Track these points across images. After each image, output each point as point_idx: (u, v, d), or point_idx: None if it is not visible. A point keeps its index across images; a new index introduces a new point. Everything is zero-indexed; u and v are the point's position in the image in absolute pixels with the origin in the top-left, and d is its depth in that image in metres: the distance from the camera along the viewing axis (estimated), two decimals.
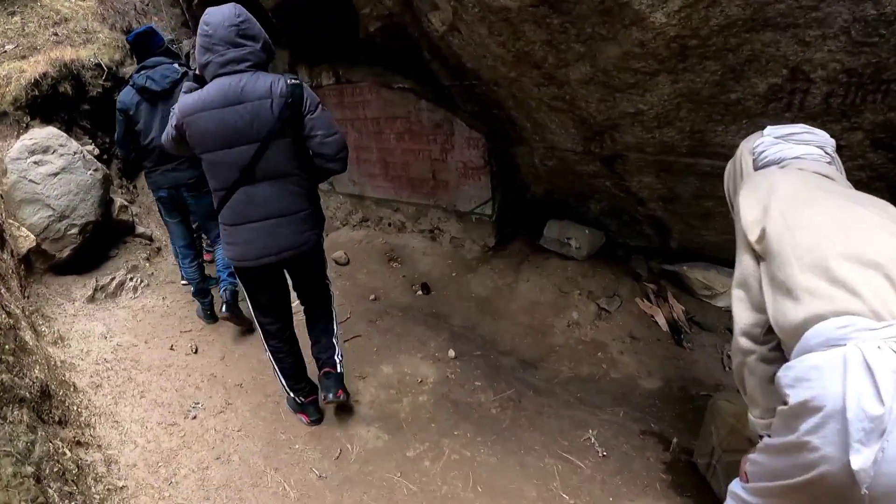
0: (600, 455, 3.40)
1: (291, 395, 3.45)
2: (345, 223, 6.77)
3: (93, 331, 4.72)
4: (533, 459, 3.47)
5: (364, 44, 5.64)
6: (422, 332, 4.85)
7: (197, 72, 2.79)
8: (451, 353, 4.53)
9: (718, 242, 4.48)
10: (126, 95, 4.24)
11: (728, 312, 4.54)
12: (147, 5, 8.19)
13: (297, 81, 2.76)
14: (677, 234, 4.77)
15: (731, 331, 4.41)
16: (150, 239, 6.23)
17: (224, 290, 4.51)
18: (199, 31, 2.66)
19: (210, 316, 5.01)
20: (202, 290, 4.94)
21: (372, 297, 5.50)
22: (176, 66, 4.41)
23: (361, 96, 5.92)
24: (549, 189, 5.31)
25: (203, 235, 5.40)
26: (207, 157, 2.75)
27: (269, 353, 3.36)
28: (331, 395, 3.33)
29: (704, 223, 4.35)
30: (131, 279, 5.63)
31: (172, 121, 2.76)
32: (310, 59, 6.38)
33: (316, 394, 3.48)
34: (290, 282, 3.31)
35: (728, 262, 4.32)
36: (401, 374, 4.32)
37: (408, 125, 5.67)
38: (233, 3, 2.70)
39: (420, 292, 5.53)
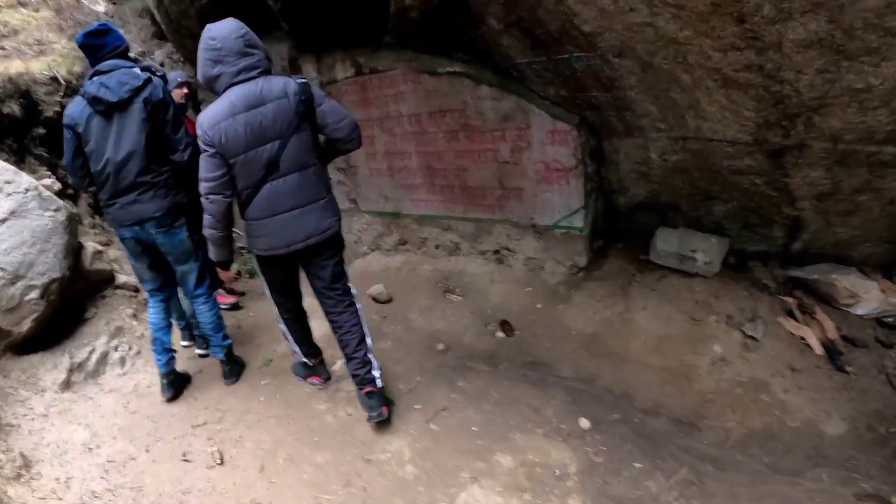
0: None
1: (304, 357, 3.71)
2: (375, 247, 5.53)
3: (72, 440, 3.38)
4: None
5: (392, 23, 4.42)
6: (528, 394, 3.66)
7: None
8: (584, 422, 3.38)
9: (845, 240, 3.89)
10: (75, 108, 3.42)
11: (874, 321, 3.86)
12: (112, 17, 7.19)
13: (305, 80, 2.96)
14: (808, 235, 3.97)
15: (883, 343, 3.55)
16: (136, 289, 4.88)
17: (219, 353, 4.01)
18: (203, 45, 2.82)
19: (168, 386, 3.86)
20: (159, 343, 3.82)
21: (440, 346, 4.27)
22: (137, 70, 3.42)
23: (393, 88, 4.76)
24: (656, 191, 4.29)
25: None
26: (238, 159, 2.87)
27: (282, 324, 3.60)
28: (374, 414, 3.32)
29: (844, 220, 3.69)
30: (116, 348, 4.28)
31: (201, 142, 2.87)
32: (318, 48, 5.22)
33: (321, 354, 3.82)
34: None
35: (847, 261, 4.07)
36: (527, 466, 3.10)
37: (463, 120, 4.53)
38: (232, 18, 2.89)
39: (500, 333, 4.36)
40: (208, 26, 2.83)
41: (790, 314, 4.00)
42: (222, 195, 2.94)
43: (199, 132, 2.84)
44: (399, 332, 4.48)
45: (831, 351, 3.71)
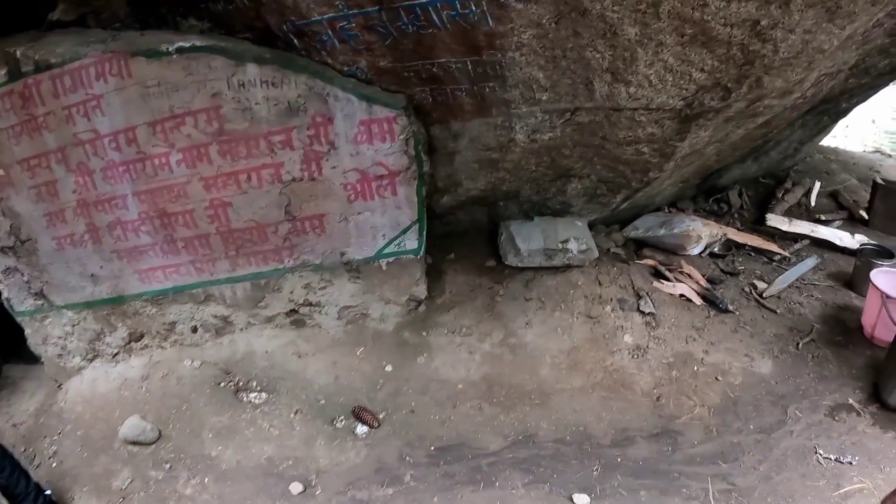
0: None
1: None
2: (94, 356, 3.80)
3: None
4: None
5: None
6: (480, 498, 2.92)
7: None
8: (580, 499, 2.87)
9: (660, 189, 4.38)
10: None
11: (709, 256, 4.57)
12: None
13: None
14: (642, 193, 4.24)
15: (730, 273, 4.43)
16: None
17: None
18: None
19: None
20: None
21: (296, 487, 3.08)
22: None
23: (81, 91, 3.24)
24: (501, 180, 3.94)
25: None
26: None
27: None
28: None
29: (680, 171, 4.11)
30: None
31: None
32: None
33: None
34: None
35: (647, 208, 4.69)
36: None
37: (216, 125, 3.32)
38: None
39: (362, 428, 3.38)
40: None
41: (657, 276, 4.26)
42: None
43: None
44: (211, 487, 3.12)
45: (709, 298, 4.09)
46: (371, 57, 3.19)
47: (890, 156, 7.37)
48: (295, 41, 3.17)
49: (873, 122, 8.54)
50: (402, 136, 3.38)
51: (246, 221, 3.56)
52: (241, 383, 3.63)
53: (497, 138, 3.57)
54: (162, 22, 3.28)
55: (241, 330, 3.87)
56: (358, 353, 3.77)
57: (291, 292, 3.82)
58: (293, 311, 3.88)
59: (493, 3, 2.79)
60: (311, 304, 3.86)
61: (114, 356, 3.83)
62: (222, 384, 3.63)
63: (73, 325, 3.85)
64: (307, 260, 3.72)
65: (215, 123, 3.29)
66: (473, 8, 2.83)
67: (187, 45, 3.13)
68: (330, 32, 3.08)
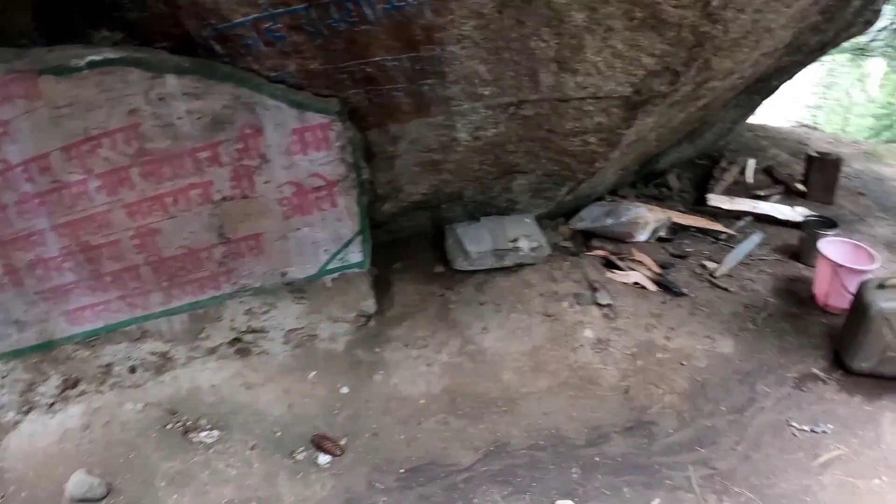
0: None
1: None
2: (28, 408, 3.49)
3: None
4: None
5: None
6: None
7: None
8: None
9: (603, 181, 4.47)
10: None
11: (657, 241, 4.66)
12: None
13: None
14: (586, 184, 4.32)
15: (679, 256, 4.52)
16: None
17: None
18: None
19: None
20: None
21: None
22: None
23: None
24: (444, 182, 3.91)
25: None
26: None
27: None
28: None
29: (622, 159, 4.17)
30: None
31: None
32: None
33: None
34: None
35: (591, 196, 4.77)
36: None
37: (136, 144, 3.08)
38: None
39: (325, 457, 3.19)
40: None
41: (609, 266, 4.31)
42: None
43: None
44: None
45: (663, 284, 4.17)
46: (300, 59, 3.07)
47: (815, 128, 7.76)
48: (217, 47, 3.00)
49: (793, 97, 9.01)
50: (337, 143, 3.27)
51: (177, 248, 3.34)
52: (189, 423, 3.38)
53: (438, 139, 3.52)
54: (72, 35, 3.04)
55: (183, 365, 3.63)
56: (310, 377, 3.61)
57: (233, 320, 3.63)
58: (236, 340, 3.67)
59: None
60: (254, 331, 3.67)
61: (50, 406, 3.51)
62: (169, 426, 3.37)
63: (3, 377, 3.49)
64: (246, 284, 3.54)
65: (135, 143, 3.06)
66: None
67: (99, 58, 2.89)
68: (255, 35, 2.95)
